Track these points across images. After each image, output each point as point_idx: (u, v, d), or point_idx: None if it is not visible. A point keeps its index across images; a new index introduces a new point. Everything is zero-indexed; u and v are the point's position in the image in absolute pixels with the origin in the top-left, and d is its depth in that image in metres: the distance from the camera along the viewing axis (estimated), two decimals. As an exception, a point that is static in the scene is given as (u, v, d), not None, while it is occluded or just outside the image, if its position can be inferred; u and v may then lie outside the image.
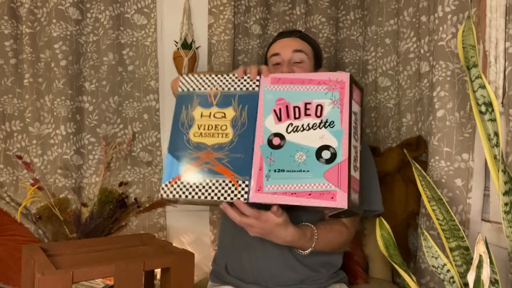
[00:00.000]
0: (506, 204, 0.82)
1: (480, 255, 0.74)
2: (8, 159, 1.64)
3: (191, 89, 1.02)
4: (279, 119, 0.89)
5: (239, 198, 0.90)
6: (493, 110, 0.84)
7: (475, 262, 0.74)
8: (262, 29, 1.80)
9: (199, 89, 1.01)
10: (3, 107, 1.65)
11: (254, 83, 0.97)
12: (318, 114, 0.87)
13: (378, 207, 1.20)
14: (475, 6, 1.21)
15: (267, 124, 0.90)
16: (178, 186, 0.94)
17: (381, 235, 0.95)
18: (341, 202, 0.79)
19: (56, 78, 1.60)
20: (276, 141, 0.88)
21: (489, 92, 0.85)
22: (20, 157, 1.60)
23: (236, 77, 0.99)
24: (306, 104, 0.89)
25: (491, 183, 1.22)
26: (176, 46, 1.73)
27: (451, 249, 0.92)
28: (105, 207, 1.52)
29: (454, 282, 0.89)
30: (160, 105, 1.72)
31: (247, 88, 0.97)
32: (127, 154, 1.70)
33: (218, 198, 0.91)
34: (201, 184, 0.93)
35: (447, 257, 0.92)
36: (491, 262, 0.82)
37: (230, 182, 0.91)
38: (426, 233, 0.94)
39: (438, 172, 1.29)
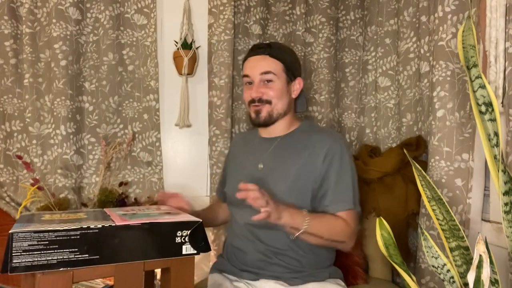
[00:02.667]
0: (506, 204, 0.82)
1: (480, 255, 0.74)
2: (8, 159, 1.64)
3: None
4: (127, 211, 1.11)
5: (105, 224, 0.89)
6: (493, 110, 0.84)
7: (475, 262, 0.74)
8: (262, 29, 1.80)
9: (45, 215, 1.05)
10: (3, 107, 1.64)
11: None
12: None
13: (351, 206, 1.21)
14: (475, 6, 1.21)
15: (118, 212, 1.07)
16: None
17: (381, 235, 0.95)
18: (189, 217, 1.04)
19: (56, 78, 1.59)
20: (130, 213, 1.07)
21: (489, 92, 0.85)
22: (20, 157, 1.60)
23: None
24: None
25: (491, 183, 1.22)
26: (176, 46, 1.73)
27: (451, 249, 0.92)
28: (105, 207, 1.52)
29: (454, 282, 0.89)
30: (160, 105, 1.72)
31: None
32: (127, 154, 1.70)
33: (83, 226, 0.86)
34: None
35: (447, 257, 0.92)
36: (491, 262, 0.82)
37: (93, 223, 0.90)
38: (426, 233, 0.94)
39: (438, 172, 1.29)
